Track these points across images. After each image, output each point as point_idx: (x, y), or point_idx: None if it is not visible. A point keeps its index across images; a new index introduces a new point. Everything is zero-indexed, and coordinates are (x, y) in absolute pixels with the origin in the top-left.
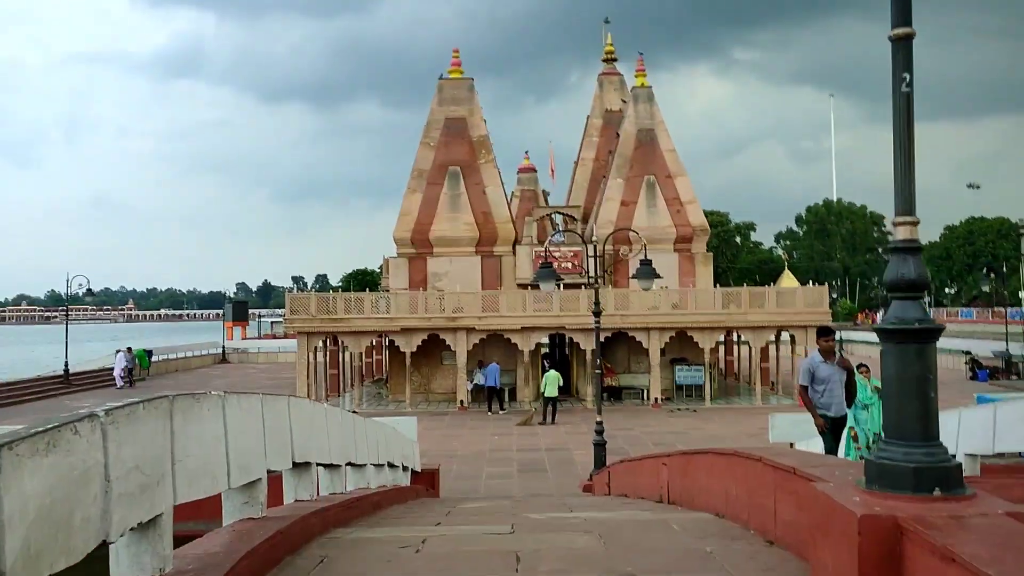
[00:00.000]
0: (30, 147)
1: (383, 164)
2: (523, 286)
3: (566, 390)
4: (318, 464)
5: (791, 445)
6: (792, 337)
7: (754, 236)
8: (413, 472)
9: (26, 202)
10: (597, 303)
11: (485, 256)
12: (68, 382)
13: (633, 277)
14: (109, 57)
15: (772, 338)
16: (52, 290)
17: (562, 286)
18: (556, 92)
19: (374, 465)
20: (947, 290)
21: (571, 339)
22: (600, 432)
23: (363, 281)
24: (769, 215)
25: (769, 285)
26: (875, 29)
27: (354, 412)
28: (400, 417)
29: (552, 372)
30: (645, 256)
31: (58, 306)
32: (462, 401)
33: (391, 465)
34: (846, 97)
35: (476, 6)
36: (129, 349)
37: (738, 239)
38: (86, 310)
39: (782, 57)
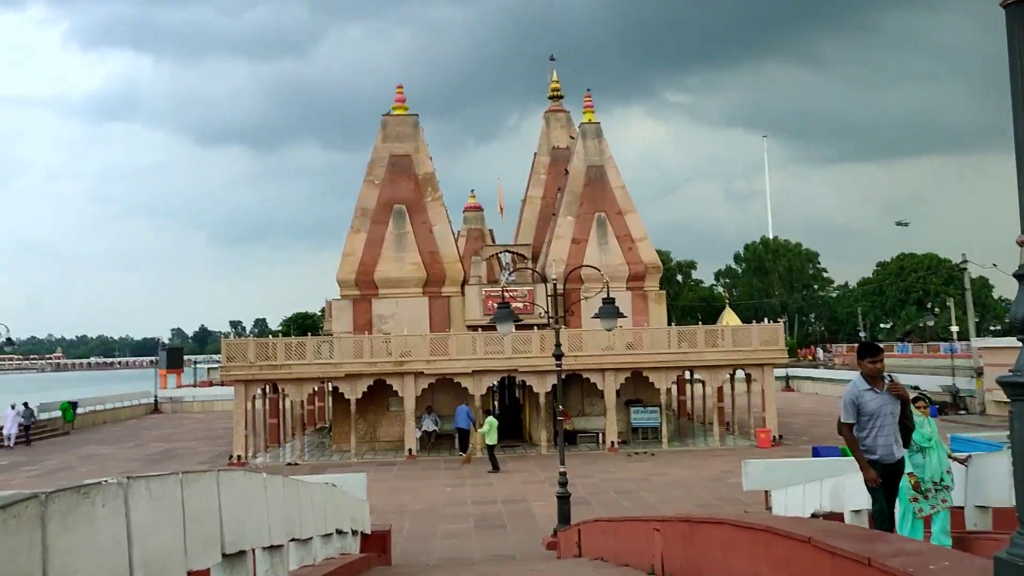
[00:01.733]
0: None
1: (323, 207)
2: (473, 327)
3: (518, 435)
4: (256, 548)
5: (765, 495)
6: (748, 375)
7: (695, 274)
8: (362, 535)
9: None
10: (558, 344)
11: (433, 297)
12: None
13: (595, 317)
14: (41, 100)
15: (727, 377)
16: None
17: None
18: (497, 134)
19: (320, 536)
20: (882, 325)
21: (523, 382)
22: (564, 484)
23: (304, 325)
24: (707, 254)
25: (716, 323)
26: (800, 72)
27: (296, 464)
28: (348, 474)
29: (491, 418)
30: (608, 294)
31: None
32: (411, 450)
33: (339, 531)
34: (776, 138)
35: (415, 49)
36: (25, 404)
37: (679, 277)
38: (11, 359)
39: (712, 99)
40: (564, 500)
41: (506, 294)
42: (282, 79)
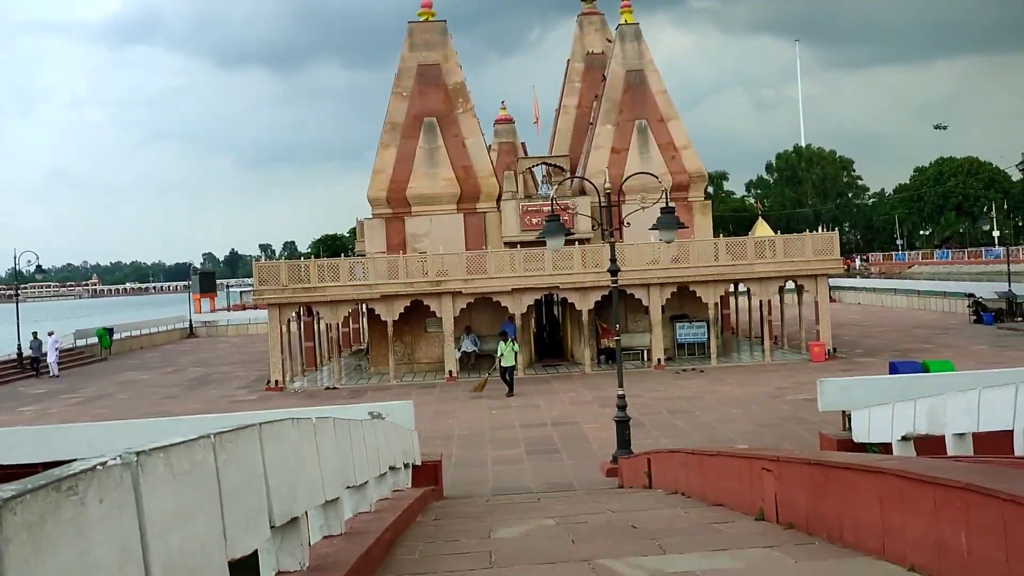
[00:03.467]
0: None
1: (348, 127)
2: (510, 244)
3: (558, 354)
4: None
5: (843, 415)
6: (799, 287)
7: (726, 185)
8: (413, 467)
9: None
10: (614, 259)
11: (468, 213)
12: (23, 366)
13: (653, 228)
14: (60, 25)
15: (776, 289)
16: (26, 267)
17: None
18: (519, 47)
19: (375, 479)
20: (920, 232)
21: (563, 299)
22: (623, 408)
23: (333, 246)
24: (736, 165)
25: (748, 234)
26: None
27: (334, 388)
28: (394, 403)
29: (504, 344)
30: (667, 203)
31: (22, 283)
32: (451, 371)
33: (392, 468)
34: (803, 44)
35: None
36: (34, 334)
37: (710, 188)
38: (48, 286)
39: (738, 5)
40: (624, 424)
41: (554, 206)
42: None
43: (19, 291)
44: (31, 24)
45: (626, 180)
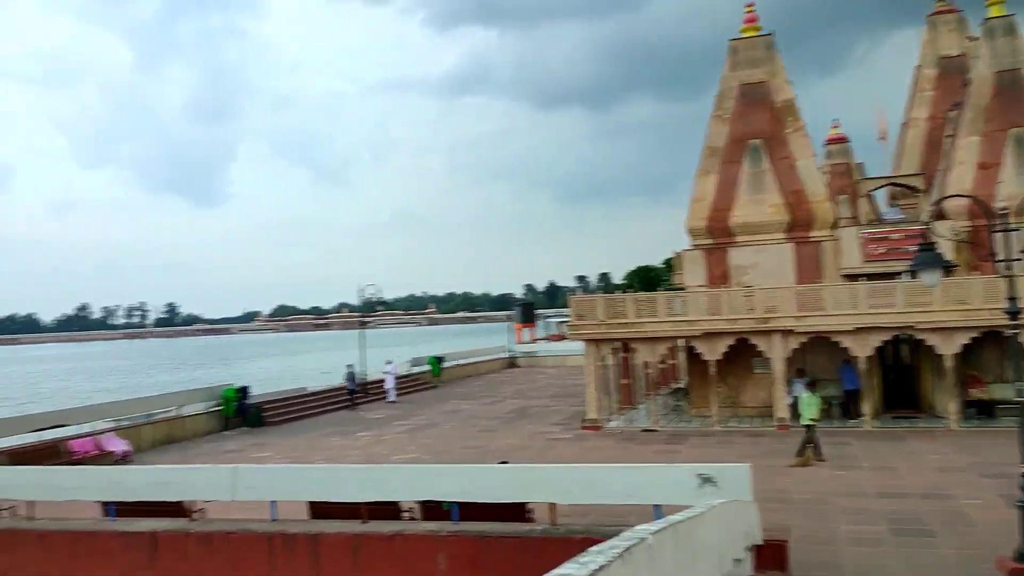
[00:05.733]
0: (345, 168)
1: (658, 160)
2: (850, 277)
3: (910, 404)
4: None
5: None
6: None
7: None
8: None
9: (341, 219)
10: (1013, 298)
11: (799, 243)
12: (365, 391)
13: None
14: (408, 82)
15: None
16: (369, 297)
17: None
18: (842, 66)
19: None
20: None
21: (918, 341)
22: None
23: (647, 278)
24: None
25: None
26: None
27: (652, 431)
28: (726, 466)
29: (806, 393)
30: None
31: (368, 312)
32: (782, 419)
33: (735, 560)
34: None
35: None
36: (349, 366)
37: None
38: (392, 315)
39: None
40: None
41: (891, 234)
42: (614, 36)
43: (365, 320)
44: (384, 84)
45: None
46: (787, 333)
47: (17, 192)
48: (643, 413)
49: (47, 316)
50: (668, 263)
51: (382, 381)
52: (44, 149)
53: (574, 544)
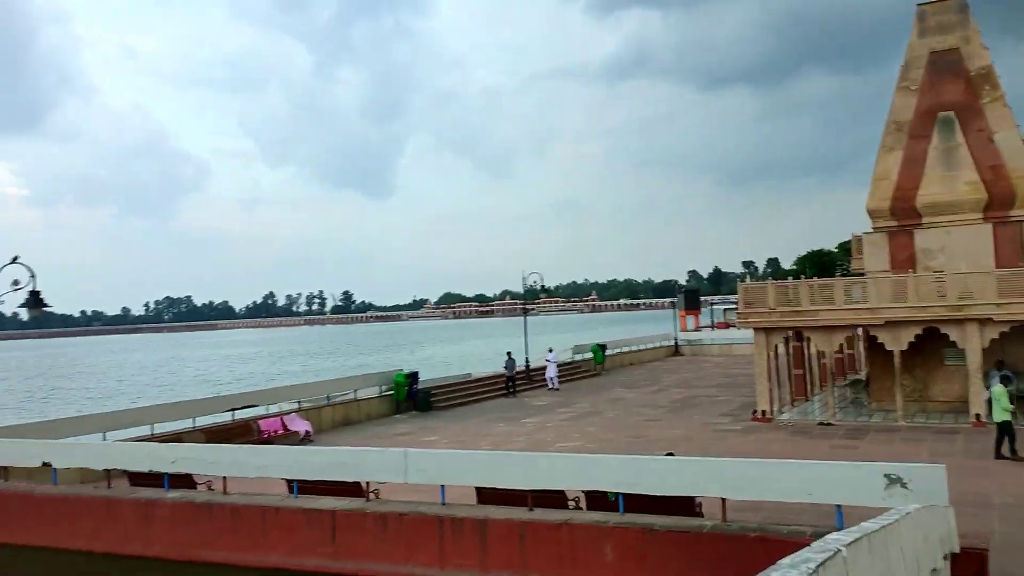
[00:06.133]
0: (505, 160)
1: (830, 138)
2: None
3: None
4: None
5: None
6: None
7: None
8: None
9: (503, 209)
10: None
11: (998, 223)
12: (530, 377)
13: None
14: (568, 71)
15: None
16: (532, 285)
17: None
18: None
19: None
20: None
21: None
22: None
23: (820, 263)
24: None
25: None
26: None
27: (828, 424)
28: (918, 466)
29: (999, 387)
30: None
31: (531, 299)
32: (978, 415)
33: (933, 571)
34: None
35: None
36: (508, 354)
37: None
38: (556, 302)
39: None
40: None
41: None
42: (784, 9)
43: (528, 307)
44: (544, 74)
45: None
46: (985, 322)
47: (212, 190)
48: (818, 406)
49: (238, 303)
50: (844, 247)
51: (543, 369)
52: (235, 150)
53: (747, 543)
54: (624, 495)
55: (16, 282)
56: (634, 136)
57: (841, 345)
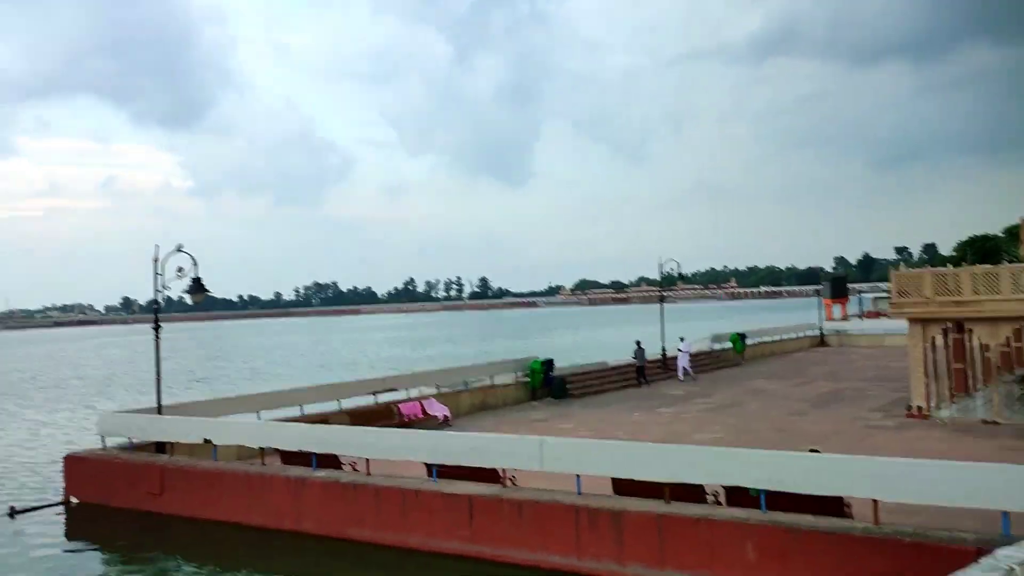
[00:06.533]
0: (642, 144)
1: (995, 115)
2: None
3: None
4: None
5: None
6: None
7: None
8: None
9: (639, 194)
10: None
11: None
12: (665, 366)
13: None
14: (708, 51)
15: None
16: (668, 272)
17: None
18: None
19: None
20: None
21: None
22: None
23: (983, 250)
24: None
25: None
26: None
27: (994, 423)
28: None
29: None
30: None
31: (667, 286)
32: None
33: None
34: None
35: None
36: (637, 342)
37: None
38: (692, 289)
39: None
40: None
41: None
42: None
43: (664, 294)
44: (683, 54)
45: None
46: None
47: (357, 179)
48: (980, 402)
49: (381, 289)
50: (1012, 232)
51: (675, 358)
52: (377, 140)
53: (901, 548)
54: (767, 492)
55: (180, 270)
56: (779, 117)
57: (1008, 338)
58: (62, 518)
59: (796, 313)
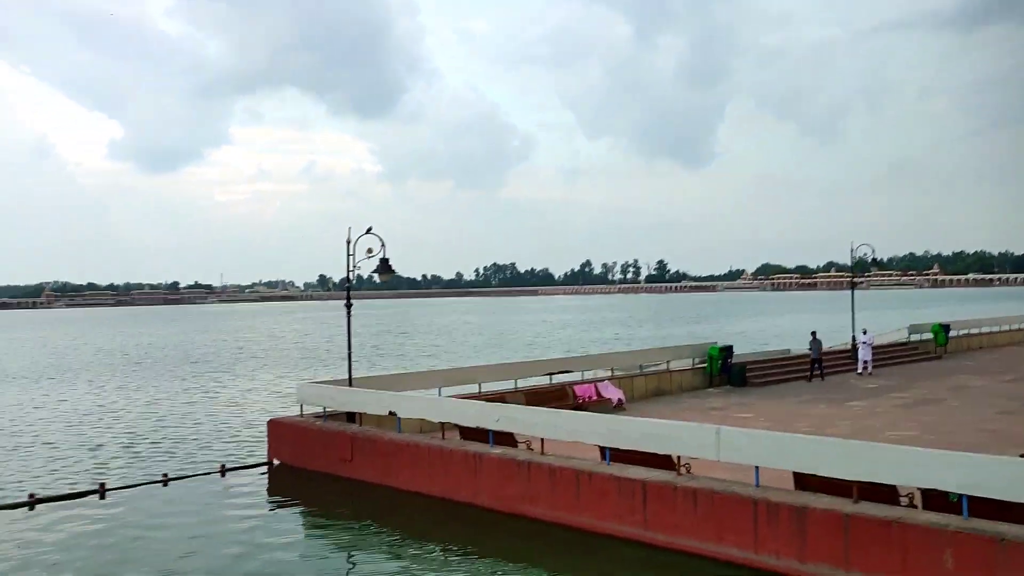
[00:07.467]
0: (833, 120)
1: None
2: None
3: None
4: None
5: None
6: None
7: None
8: None
9: (830, 174)
10: None
11: None
12: (855, 357)
13: None
14: (910, 20)
15: None
16: (861, 256)
17: None
18: None
19: None
20: None
21: None
22: None
23: None
24: None
25: None
26: None
27: None
28: None
29: None
30: None
31: (860, 272)
32: None
33: None
34: None
35: None
36: (813, 334)
37: None
38: (889, 275)
39: None
40: None
41: None
42: None
43: (855, 281)
44: (883, 24)
45: None
46: None
47: (537, 161)
48: None
49: (557, 271)
50: None
51: (856, 350)
52: (556, 123)
53: None
54: (969, 497)
55: (370, 250)
56: (992, 89)
57: None
58: (265, 478)
59: (1010, 303)
